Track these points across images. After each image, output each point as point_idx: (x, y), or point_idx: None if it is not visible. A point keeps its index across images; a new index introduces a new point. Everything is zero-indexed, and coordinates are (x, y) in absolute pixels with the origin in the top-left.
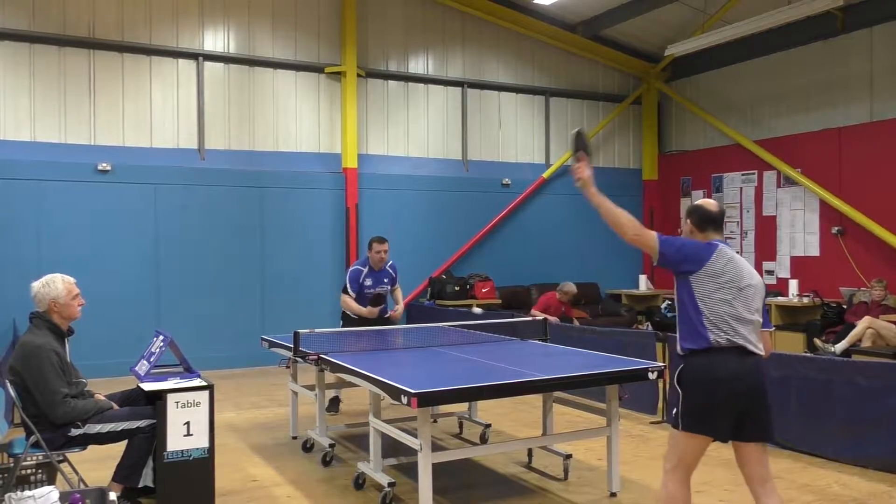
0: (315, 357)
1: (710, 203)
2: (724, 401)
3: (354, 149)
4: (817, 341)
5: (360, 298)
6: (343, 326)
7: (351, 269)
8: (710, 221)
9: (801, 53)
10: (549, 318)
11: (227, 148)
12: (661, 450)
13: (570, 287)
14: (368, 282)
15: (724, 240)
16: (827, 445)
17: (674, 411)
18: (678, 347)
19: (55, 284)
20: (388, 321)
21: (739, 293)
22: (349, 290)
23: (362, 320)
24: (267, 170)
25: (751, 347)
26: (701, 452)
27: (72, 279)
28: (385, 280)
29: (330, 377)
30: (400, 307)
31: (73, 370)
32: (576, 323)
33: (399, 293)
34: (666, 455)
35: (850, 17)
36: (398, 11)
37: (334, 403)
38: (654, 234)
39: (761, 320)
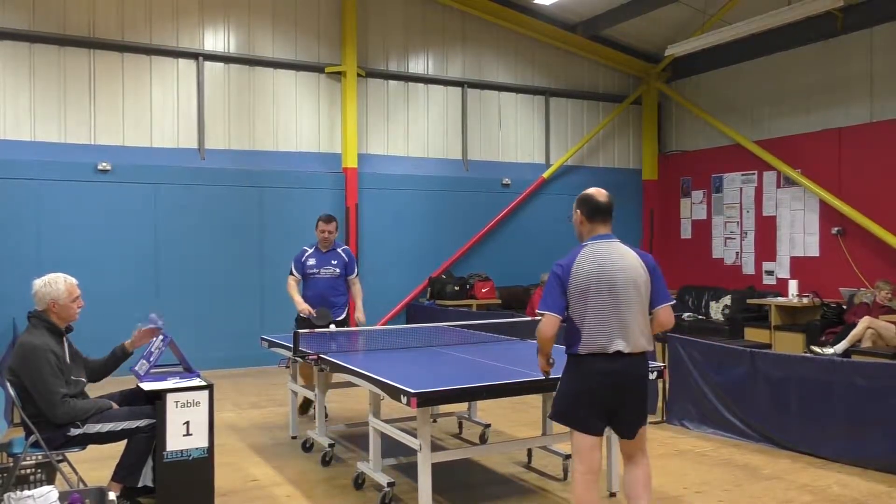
0: (315, 357)
1: (600, 193)
2: (590, 400)
3: (354, 149)
4: (814, 348)
5: (307, 281)
6: (296, 327)
7: (299, 250)
8: (599, 211)
9: (801, 53)
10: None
11: (227, 148)
12: (661, 449)
13: None
14: (311, 261)
15: (607, 232)
16: (826, 446)
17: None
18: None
19: (57, 284)
20: (344, 325)
21: (610, 294)
22: (293, 271)
23: (311, 323)
24: (267, 169)
25: (625, 349)
26: (592, 447)
27: (74, 280)
28: (333, 262)
29: (308, 378)
30: (360, 312)
31: (72, 369)
32: None
33: (358, 288)
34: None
35: (850, 17)
36: (398, 11)
37: (307, 406)
38: (541, 323)
39: (646, 309)
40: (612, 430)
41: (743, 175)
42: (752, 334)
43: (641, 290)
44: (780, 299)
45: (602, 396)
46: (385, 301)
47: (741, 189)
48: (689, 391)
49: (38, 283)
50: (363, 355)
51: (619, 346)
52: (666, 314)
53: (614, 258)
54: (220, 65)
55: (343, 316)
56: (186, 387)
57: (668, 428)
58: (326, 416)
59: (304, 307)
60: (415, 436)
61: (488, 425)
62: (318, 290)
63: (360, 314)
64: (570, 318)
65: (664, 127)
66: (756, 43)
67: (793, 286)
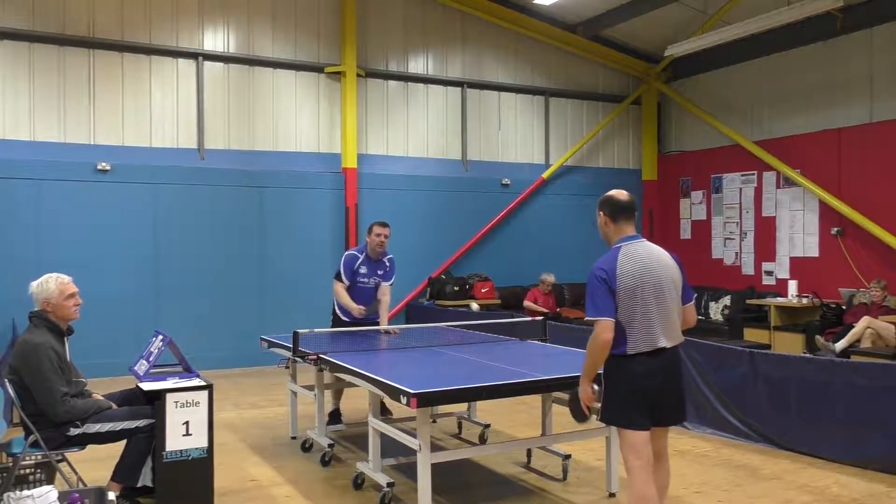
0: (314, 357)
1: (620, 193)
2: (640, 395)
3: (354, 149)
4: (819, 339)
5: (353, 289)
6: (333, 327)
7: (347, 253)
8: (622, 211)
9: (801, 54)
10: (543, 309)
11: (227, 147)
12: None
13: (549, 277)
14: (363, 270)
15: (633, 233)
16: (826, 446)
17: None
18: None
19: (48, 284)
20: (375, 324)
21: (653, 291)
22: (342, 277)
23: (352, 323)
24: (267, 169)
25: (668, 344)
26: (646, 440)
27: (67, 278)
28: (380, 272)
29: (329, 380)
30: (384, 317)
31: (72, 369)
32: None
33: (387, 296)
34: (622, 456)
35: (849, 17)
36: (398, 11)
37: (335, 417)
38: (597, 330)
39: (680, 304)
40: (654, 423)
41: (742, 175)
42: (752, 335)
43: (678, 287)
44: (780, 300)
45: (650, 394)
46: None
47: (741, 189)
48: (689, 392)
49: (33, 284)
50: (363, 355)
51: (662, 342)
52: (692, 312)
53: (653, 259)
54: (219, 65)
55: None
56: (186, 387)
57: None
58: (340, 415)
59: (360, 311)
60: (414, 436)
61: (488, 425)
62: (364, 299)
63: (384, 321)
64: (618, 325)
65: (664, 127)
66: (756, 43)
67: (792, 286)
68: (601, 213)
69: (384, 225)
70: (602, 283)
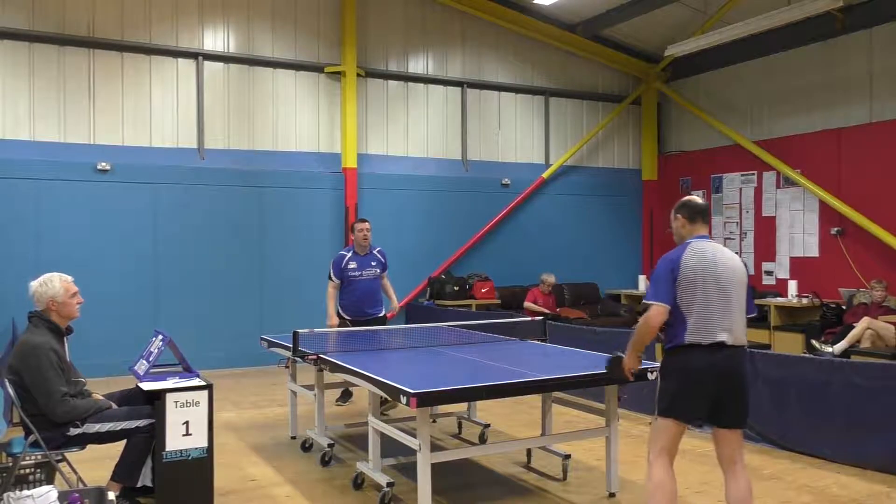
0: (314, 357)
1: (695, 198)
2: (698, 388)
3: (354, 148)
4: (815, 342)
5: (348, 285)
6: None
7: (336, 254)
8: (699, 213)
9: (801, 54)
10: (543, 309)
11: (227, 147)
12: None
13: (549, 277)
14: (352, 265)
15: (706, 234)
16: (825, 446)
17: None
18: (664, 346)
19: (53, 283)
20: (384, 322)
21: (718, 287)
22: (332, 276)
23: (353, 321)
24: (267, 169)
25: (731, 341)
26: (678, 437)
27: (69, 278)
28: (372, 263)
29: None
30: (394, 303)
31: (72, 369)
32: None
33: (388, 283)
34: (649, 444)
35: (849, 17)
36: (398, 11)
37: (345, 395)
38: (650, 312)
39: (744, 307)
40: (714, 424)
41: (742, 175)
42: (752, 334)
43: (743, 290)
44: (780, 299)
45: (709, 388)
46: (384, 301)
47: (741, 189)
48: None
49: (34, 284)
50: (363, 355)
51: (723, 336)
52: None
53: (721, 256)
54: (219, 65)
55: (383, 313)
56: (186, 387)
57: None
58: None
59: (333, 321)
60: (414, 436)
61: (488, 425)
62: (362, 292)
63: (395, 307)
64: (675, 309)
65: (664, 127)
66: (756, 43)
67: (792, 286)
68: (679, 215)
69: (363, 221)
70: (666, 270)
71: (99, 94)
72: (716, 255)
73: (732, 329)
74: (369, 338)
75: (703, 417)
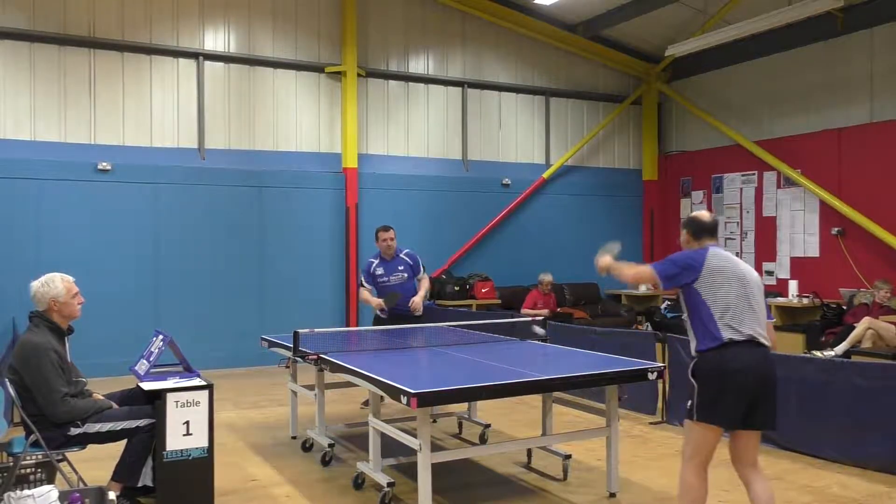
0: (315, 357)
1: (704, 214)
2: (737, 391)
3: (354, 148)
4: (816, 353)
5: (380, 290)
6: (374, 325)
7: (365, 262)
8: (705, 230)
9: (801, 54)
10: (543, 311)
11: (227, 147)
12: (661, 450)
13: (546, 276)
14: (380, 271)
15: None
16: (826, 446)
17: (688, 404)
18: (692, 351)
19: (54, 283)
20: (416, 317)
21: (742, 287)
22: (363, 282)
23: (391, 319)
24: (267, 169)
25: (761, 339)
26: (715, 442)
27: (70, 278)
28: (400, 268)
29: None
30: (418, 298)
31: (72, 369)
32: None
33: (425, 282)
34: (683, 446)
35: (850, 17)
36: (398, 11)
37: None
38: (647, 267)
39: (765, 312)
40: (744, 426)
41: (743, 175)
42: None
43: (762, 295)
44: (780, 300)
45: (748, 389)
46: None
47: (741, 189)
48: (689, 392)
49: (35, 284)
50: (363, 355)
51: (755, 331)
52: (772, 330)
53: (740, 262)
54: (220, 64)
55: (420, 312)
56: (186, 386)
57: (668, 428)
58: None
59: (377, 302)
60: (415, 436)
61: (488, 425)
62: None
63: (417, 298)
64: (701, 308)
65: (664, 127)
66: (756, 43)
67: (793, 286)
68: (684, 230)
69: (386, 229)
70: (688, 261)
71: (99, 94)
72: (736, 260)
73: (760, 327)
74: (370, 338)
75: (737, 421)
